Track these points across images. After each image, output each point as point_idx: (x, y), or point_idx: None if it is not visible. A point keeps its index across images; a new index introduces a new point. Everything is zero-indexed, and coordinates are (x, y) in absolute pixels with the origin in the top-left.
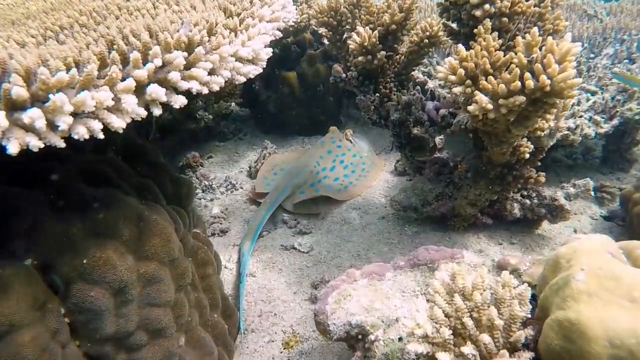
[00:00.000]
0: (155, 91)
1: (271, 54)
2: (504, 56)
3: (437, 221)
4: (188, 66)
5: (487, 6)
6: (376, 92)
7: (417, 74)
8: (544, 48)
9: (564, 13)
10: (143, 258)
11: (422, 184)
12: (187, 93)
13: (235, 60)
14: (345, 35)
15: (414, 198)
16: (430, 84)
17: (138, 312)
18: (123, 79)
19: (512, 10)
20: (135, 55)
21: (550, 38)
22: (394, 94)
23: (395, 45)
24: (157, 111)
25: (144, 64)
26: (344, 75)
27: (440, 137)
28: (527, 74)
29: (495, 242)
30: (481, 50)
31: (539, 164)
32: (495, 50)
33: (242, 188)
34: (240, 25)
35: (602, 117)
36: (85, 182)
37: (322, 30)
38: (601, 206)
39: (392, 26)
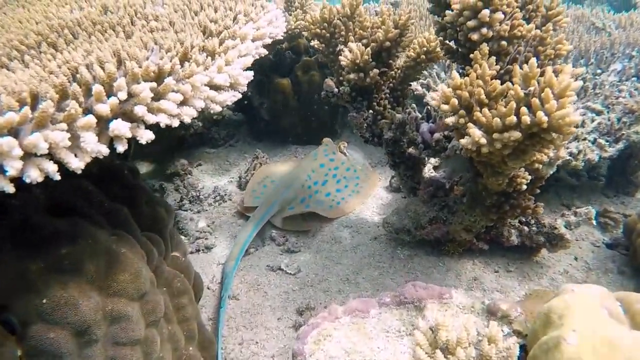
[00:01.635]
0: (118, 128)
1: (252, 78)
2: (501, 83)
3: (431, 244)
4: (157, 97)
5: (484, 30)
6: (370, 109)
7: (416, 85)
8: (542, 80)
9: (570, 24)
10: (110, 295)
11: (416, 206)
12: None
13: (211, 89)
14: (338, 48)
15: (407, 220)
16: (429, 98)
17: (103, 352)
18: (86, 112)
19: (511, 34)
20: (97, 89)
21: (549, 69)
22: (388, 112)
23: (390, 61)
24: (120, 147)
25: (109, 97)
26: (336, 90)
27: (435, 159)
28: (524, 109)
29: (492, 269)
30: (477, 78)
31: (538, 191)
32: (492, 78)
33: (230, 200)
34: (219, 47)
35: (607, 140)
36: (51, 213)
37: (314, 42)
38: (604, 232)
39: (386, 43)
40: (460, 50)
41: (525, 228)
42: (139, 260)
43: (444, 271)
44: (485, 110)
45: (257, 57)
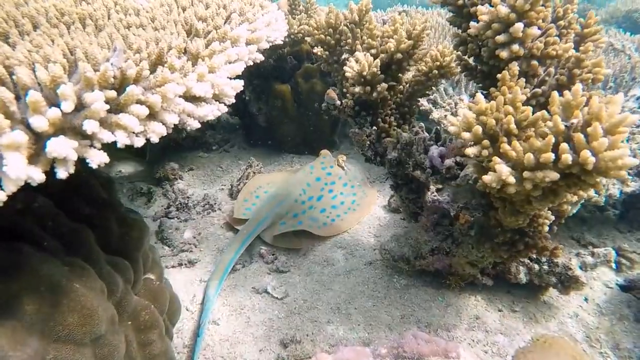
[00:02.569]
0: (56, 148)
1: (241, 88)
2: (532, 112)
3: (431, 274)
4: (118, 109)
5: (515, 47)
6: (373, 125)
7: (422, 101)
8: (587, 111)
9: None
10: (53, 341)
11: (417, 233)
12: None
13: (189, 100)
14: (343, 57)
15: (407, 249)
16: (435, 114)
17: None
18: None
19: (545, 53)
20: (33, 98)
21: (596, 99)
22: (394, 130)
23: (400, 75)
24: (62, 173)
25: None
26: (338, 102)
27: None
28: (564, 145)
29: (495, 307)
30: (505, 103)
31: (556, 229)
32: (523, 104)
33: (220, 210)
34: (204, 51)
35: (629, 174)
36: None
37: (317, 49)
38: (618, 273)
39: (397, 55)
40: (480, 67)
41: (536, 266)
42: (95, 296)
43: (443, 306)
44: (516, 143)
45: (251, 64)
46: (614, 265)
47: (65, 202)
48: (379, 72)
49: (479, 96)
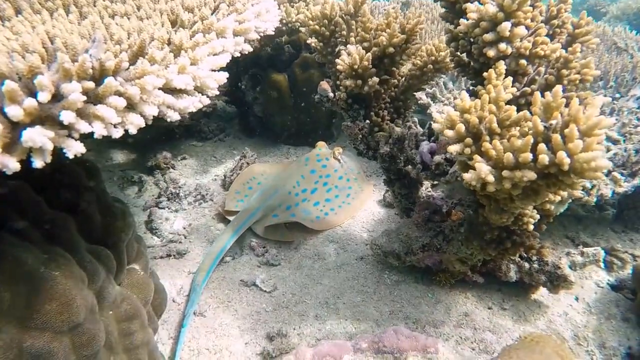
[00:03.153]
0: (32, 138)
1: (225, 80)
2: (517, 108)
3: (421, 271)
4: (96, 100)
5: (502, 45)
6: (366, 119)
7: (420, 94)
8: (567, 112)
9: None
10: (31, 328)
11: (409, 229)
12: None
13: (168, 92)
14: (337, 49)
15: (398, 244)
16: (433, 109)
17: None
18: None
19: (533, 52)
20: (9, 87)
21: (575, 101)
22: (387, 124)
23: (393, 69)
24: (38, 162)
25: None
26: (331, 94)
27: (434, 182)
28: (542, 145)
29: (485, 305)
30: (489, 102)
31: (545, 228)
32: (508, 102)
33: (212, 200)
34: (187, 42)
35: (622, 173)
36: None
37: (312, 40)
38: (609, 272)
39: (389, 49)
40: (472, 64)
41: (526, 264)
42: (74, 285)
43: (432, 303)
44: (496, 142)
45: (238, 55)
46: (602, 264)
47: (47, 190)
48: (371, 66)
49: (464, 94)
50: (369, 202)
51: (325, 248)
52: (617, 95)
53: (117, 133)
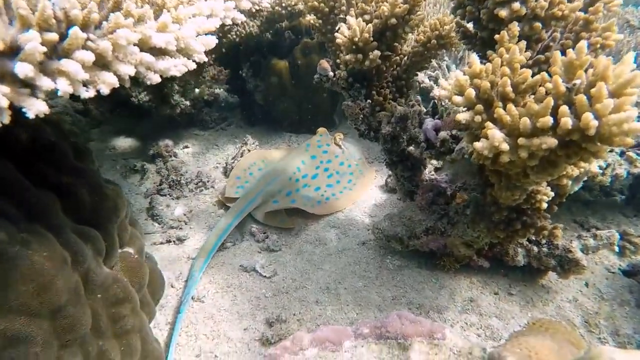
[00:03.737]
0: None
1: (213, 45)
2: (532, 76)
3: (425, 256)
4: (63, 54)
5: (516, 5)
6: (368, 98)
7: (423, 77)
8: (591, 72)
9: (600, 19)
10: (4, 311)
11: (412, 212)
12: None
13: (150, 52)
14: (338, 27)
15: (401, 228)
16: (436, 92)
17: None
18: None
19: (549, 13)
20: None
21: (602, 58)
22: (389, 103)
23: (396, 44)
24: None
25: None
26: (331, 73)
27: (438, 161)
28: (564, 108)
29: (491, 290)
30: (502, 65)
31: (557, 209)
32: (522, 67)
33: (213, 187)
34: (171, 1)
35: (638, 153)
36: None
37: (310, 17)
38: (621, 257)
39: (391, 20)
40: (480, 34)
41: (535, 248)
42: (53, 265)
43: (436, 288)
44: (511, 106)
45: (229, 22)
46: (616, 248)
47: (33, 169)
48: (372, 39)
49: (474, 58)
50: (371, 187)
51: (327, 233)
52: None
53: (87, 92)
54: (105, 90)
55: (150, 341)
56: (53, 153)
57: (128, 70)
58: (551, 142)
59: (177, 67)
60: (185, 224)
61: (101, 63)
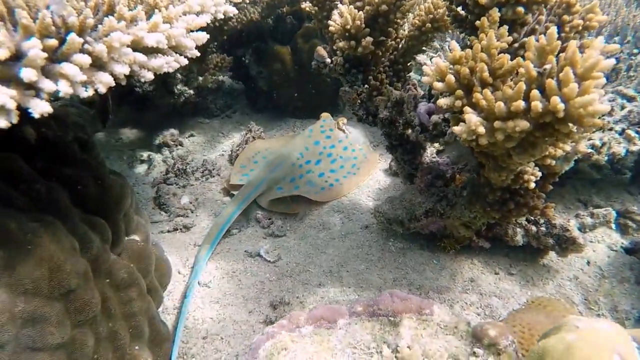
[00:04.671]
0: None
1: (205, 40)
2: (512, 59)
3: (427, 238)
4: (63, 58)
5: None
6: (365, 83)
7: (425, 59)
8: (562, 57)
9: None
10: (21, 293)
11: (412, 195)
12: None
13: (141, 51)
14: (334, 13)
15: (401, 211)
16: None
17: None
18: None
19: None
20: None
21: (573, 43)
22: (385, 87)
23: (390, 29)
24: (1, 123)
25: None
26: (328, 60)
27: (440, 144)
28: (535, 92)
29: (491, 270)
30: (481, 51)
31: (551, 188)
32: (500, 52)
33: (219, 175)
34: (163, 1)
35: (637, 131)
36: None
37: (306, 5)
38: (623, 235)
39: (382, 7)
40: (469, 17)
41: (533, 228)
42: (62, 251)
43: (437, 269)
44: (487, 91)
45: (221, 16)
46: (613, 226)
47: (39, 161)
48: (364, 26)
49: (454, 44)
50: (375, 171)
51: (331, 218)
52: (635, 51)
53: (85, 92)
54: (102, 90)
55: (157, 323)
56: (59, 147)
57: (123, 70)
58: (523, 124)
59: (169, 64)
60: (192, 211)
61: (98, 64)
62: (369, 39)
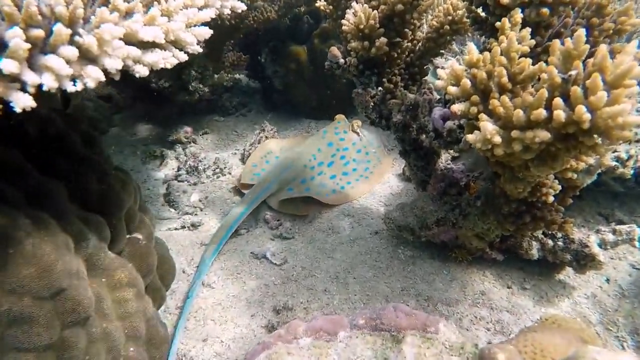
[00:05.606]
0: None
1: (207, 36)
2: (534, 64)
3: (438, 247)
4: (50, 50)
5: None
6: (379, 86)
7: (442, 62)
8: (590, 62)
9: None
10: (8, 292)
11: (423, 202)
12: None
13: (137, 45)
14: (347, 11)
15: (412, 218)
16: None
17: None
18: None
19: None
20: None
21: (603, 47)
22: (400, 91)
23: (405, 30)
24: None
25: None
26: (342, 60)
27: (451, 153)
28: (558, 100)
29: (504, 284)
30: (500, 54)
31: (571, 201)
32: (522, 56)
33: (230, 174)
34: None
35: None
36: None
37: (321, 4)
38: None
39: (398, 6)
40: (490, 19)
41: (550, 242)
42: (54, 250)
43: (447, 280)
44: (505, 97)
45: (228, 12)
46: (637, 244)
47: (39, 156)
48: (378, 26)
49: (471, 46)
50: (388, 175)
51: (340, 222)
52: None
53: (73, 87)
54: (91, 84)
55: (155, 324)
56: (61, 142)
57: (115, 64)
58: (544, 135)
59: (166, 59)
60: (201, 210)
61: (89, 57)
62: (383, 39)
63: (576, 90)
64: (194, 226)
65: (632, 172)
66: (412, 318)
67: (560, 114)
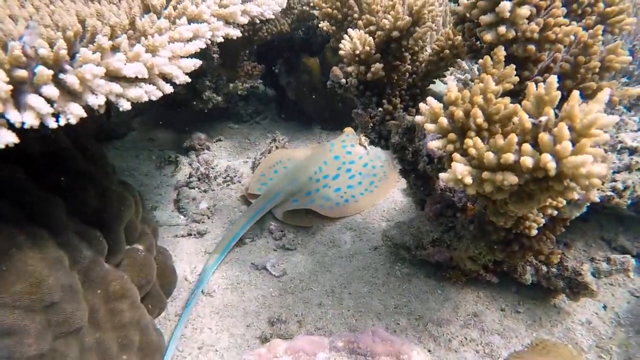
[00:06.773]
0: None
1: (194, 68)
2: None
3: (435, 266)
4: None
5: (502, 29)
6: (379, 106)
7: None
8: (564, 109)
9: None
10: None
11: (420, 222)
12: None
13: (120, 80)
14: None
15: (408, 237)
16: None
17: None
18: None
19: (543, 36)
20: None
21: (575, 94)
22: (399, 112)
23: (405, 54)
24: None
25: None
26: (343, 80)
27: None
28: (526, 146)
29: (497, 306)
30: (479, 93)
31: (563, 230)
32: (507, 95)
33: (240, 182)
34: (151, 29)
35: None
36: None
37: (324, 24)
38: None
39: (394, 33)
40: (484, 49)
41: (544, 267)
42: (46, 265)
43: (441, 300)
44: (477, 139)
45: (220, 40)
46: (632, 274)
47: (40, 172)
48: (374, 52)
49: (451, 83)
50: (393, 190)
51: (342, 235)
52: None
53: (55, 123)
54: (73, 120)
55: (150, 333)
56: (62, 159)
57: (97, 101)
58: (512, 179)
59: (149, 92)
60: (208, 218)
61: (73, 94)
62: (379, 65)
63: (544, 137)
64: (200, 234)
65: (629, 202)
66: (388, 345)
67: (527, 160)
